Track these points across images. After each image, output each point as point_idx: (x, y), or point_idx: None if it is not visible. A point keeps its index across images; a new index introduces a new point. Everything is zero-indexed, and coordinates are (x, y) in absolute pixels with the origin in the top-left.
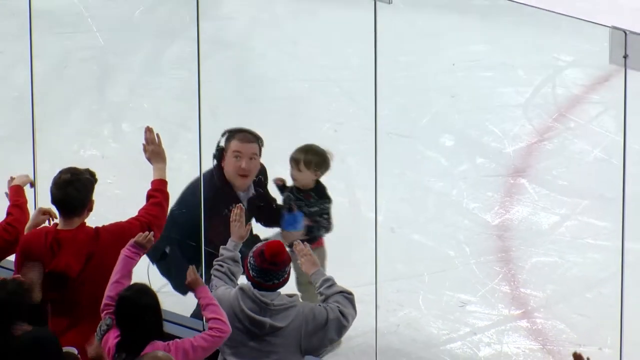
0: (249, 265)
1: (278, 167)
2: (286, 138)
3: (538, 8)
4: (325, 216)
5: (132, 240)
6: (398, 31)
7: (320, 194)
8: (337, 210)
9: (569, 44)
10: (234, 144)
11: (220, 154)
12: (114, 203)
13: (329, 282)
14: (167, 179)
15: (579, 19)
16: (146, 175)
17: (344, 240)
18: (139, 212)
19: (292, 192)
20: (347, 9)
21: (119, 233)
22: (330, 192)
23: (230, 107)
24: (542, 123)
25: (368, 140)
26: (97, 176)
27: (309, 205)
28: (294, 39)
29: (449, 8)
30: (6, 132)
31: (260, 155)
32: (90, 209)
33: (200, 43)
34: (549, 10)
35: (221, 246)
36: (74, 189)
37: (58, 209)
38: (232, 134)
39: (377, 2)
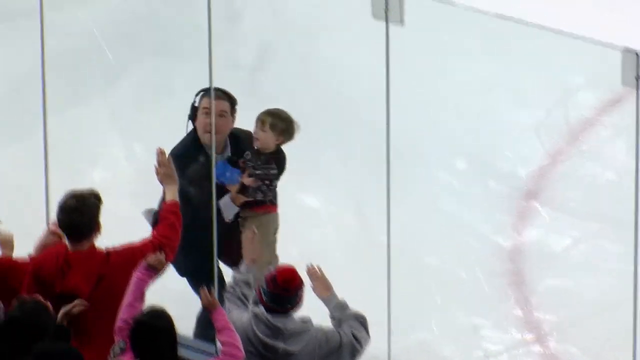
0: (261, 290)
1: None
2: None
3: (549, 29)
4: (267, 182)
5: (143, 262)
6: (409, 51)
7: (277, 161)
8: (349, 231)
9: (580, 65)
10: (205, 101)
11: (193, 113)
12: (125, 223)
13: (342, 305)
14: (178, 200)
15: (591, 40)
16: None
17: (356, 262)
18: (152, 233)
19: (251, 151)
20: (358, 36)
21: (130, 255)
22: (287, 164)
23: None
24: (554, 145)
25: (380, 161)
26: (101, 197)
27: (256, 168)
28: (304, 61)
29: (460, 29)
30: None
31: (231, 114)
32: (99, 231)
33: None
34: (560, 32)
35: (234, 269)
36: (80, 214)
37: (66, 234)
38: (205, 92)
39: (389, 24)
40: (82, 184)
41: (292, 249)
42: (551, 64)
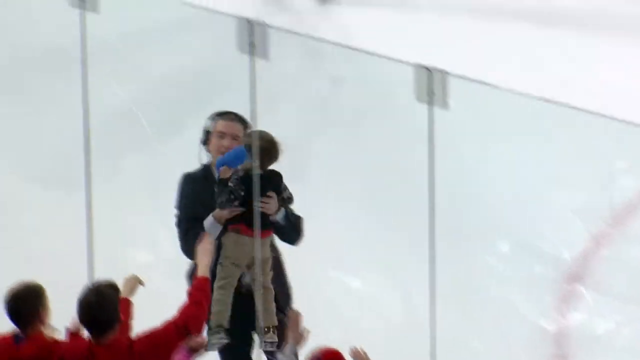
0: None
1: None
2: (336, 243)
3: (593, 113)
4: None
5: (185, 345)
6: (454, 133)
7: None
8: (392, 314)
9: (624, 148)
10: (219, 124)
11: (206, 137)
12: (166, 302)
13: None
14: (209, 277)
15: (633, 123)
16: None
17: (399, 345)
18: (178, 311)
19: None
20: (401, 119)
21: (153, 342)
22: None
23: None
24: (598, 229)
25: (424, 244)
26: (119, 287)
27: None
28: (349, 146)
29: (504, 111)
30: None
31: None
32: (119, 320)
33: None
34: (604, 115)
35: (278, 353)
36: (101, 311)
37: (87, 330)
38: (218, 115)
39: (434, 107)
40: (124, 265)
41: (335, 331)
42: (595, 147)
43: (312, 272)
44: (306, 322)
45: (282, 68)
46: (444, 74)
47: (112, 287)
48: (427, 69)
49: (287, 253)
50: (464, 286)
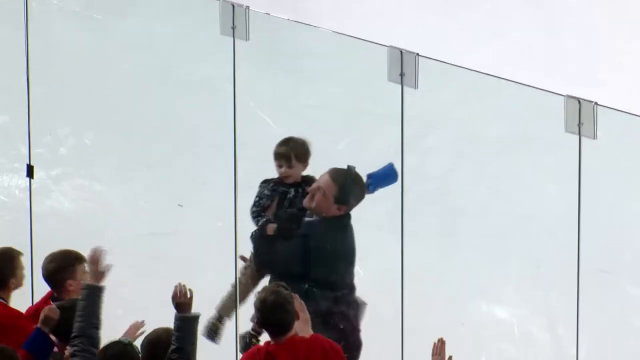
0: None
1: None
2: (483, 274)
3: None
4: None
5: None
6: (600, 168)
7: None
8: (539, 345)
9: None
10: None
11: None
12: None
13: None
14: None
15: None
16: None
17: None
18: None
19: (298, 190)
20: (550, 150)
21: None
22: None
23: (429, 239)
24: None
25: (570, 276)
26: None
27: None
28: (494, 175)
29: None
30: None
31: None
32: (298, 318)
33: (404, 174)
34: None
35: None
36: (284, 311)
37: (268, 330)
38: None
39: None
40: None
41: (479, 359)
42: None
43: (458, 301)
44: (451, 350)
45: (432, 97)
46: (594, 105)
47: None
48: (578, 99)
49: (433, 279)
50: (611, 318)
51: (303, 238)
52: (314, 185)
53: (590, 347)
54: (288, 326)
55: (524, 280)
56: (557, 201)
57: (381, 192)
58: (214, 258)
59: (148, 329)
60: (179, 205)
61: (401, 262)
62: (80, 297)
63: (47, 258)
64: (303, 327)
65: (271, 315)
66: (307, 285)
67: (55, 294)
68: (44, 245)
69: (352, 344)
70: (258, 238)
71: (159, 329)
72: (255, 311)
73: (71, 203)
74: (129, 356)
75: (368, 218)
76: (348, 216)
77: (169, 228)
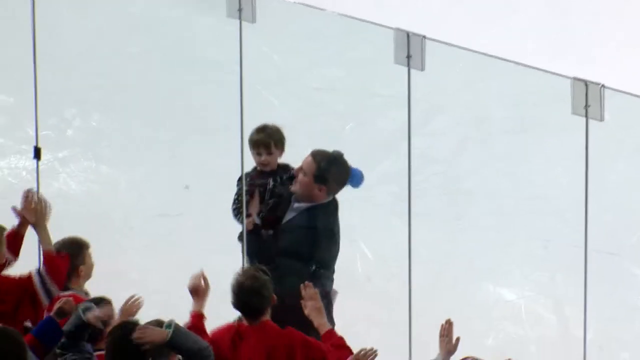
0: None
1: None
2: (490, 255)
3: None
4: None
5: None
6: (609, 150)
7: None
8: (545, 325)
9: None
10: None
11: None
12: None
13: None
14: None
15: None
16: None
17: (553, 357)
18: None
19: (276, 179)
20: (557, 132)
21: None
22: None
23: (436, 221)
24: None
25: (577, 257)
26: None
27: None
28: (501, 157)
29: None
30: None
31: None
32: (273, 302)
33: (411, 158)
34: None
35: None
36: (259, 296)
37: (242, 313)
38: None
39: (589, 119)
40: None
41: (487, 340)
42: None
43: (466, 282)
44: (459, 331)
45: (438, 80)
46: (601, 87)
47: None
48: (585, 81)
49: (441, 261)
50: (617, 299)
51: (295, 224)
52: (297, 167)
53: (597, 328)
54: (262, 311)
55: (532, 261)
56: (564, 183)
57: (389, 175)
58: (221, 240)
59: (158, 311)
60: (185, 187)
61: (409, 244)
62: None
63: (55, 246)
64: (316, 316)
65: (247, 299)
66: (314, 267)
67: (67, 284)
68: (51, 227)
69: None
70: (243, 236)
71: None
72: (231, 293)
73: (78, 185)
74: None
75: (376, 200)
76: (335, 203)
77: (176, 210)
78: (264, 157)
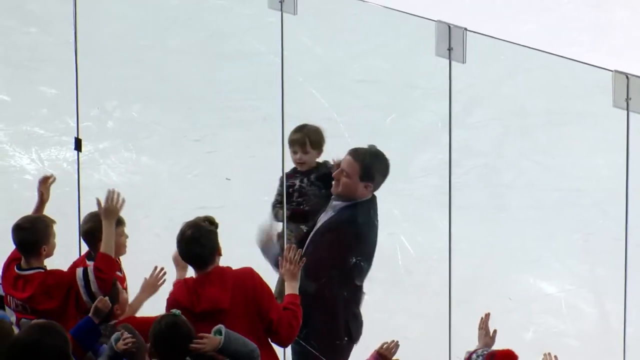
0: None
1: None
2: (530, 248)
3: None
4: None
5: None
6: None
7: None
8: (586, 319)
9: None
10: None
11: None
12: None
13: None
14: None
15: None
16: None
17: (593, 351)
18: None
19: (303, 179)
20: (598, 125)
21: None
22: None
23: (478, 214)
24: None
25: (618, 251)
26: (216, 221)
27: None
28: (544, 149)
29: None
30: None
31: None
32: (220, 254)
33: (452, 151)
34: None
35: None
36: (199, 245)
37: (188, 263)
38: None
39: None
40: None
41: (527, 334)
42: None
43: (506, 275)
44: (497, 324)
45: (479, 72)
46: None
47: (209, 222)
48: (626, 74)
49: (481, 254)
50: None
51: (334, 220)
52: (337, 170)
53: (638, 322)
54: (205, 260)
55: (572, 254)
56: (605, 175)
57: (430, 167)
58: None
59: None
60: (226, 179)
61: (449, 237)
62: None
63: (85, 217)
64: (289, 278)
65: (187, 249)
66: (354, 259)
67: (92, 253)
68: None
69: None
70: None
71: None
72: (176, 244)
73: (119, 176)
74: (184, 324)
75: (416, 193)
76: (374, 198)
77: (216, 202)
78: (299, 156)
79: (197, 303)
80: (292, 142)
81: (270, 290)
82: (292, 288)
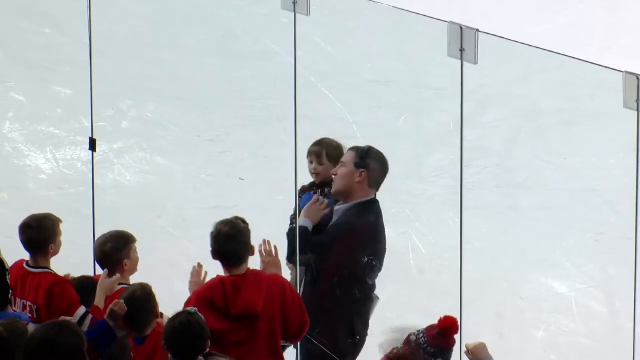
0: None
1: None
2: (542, 247)
3: None
4: None
5: None
6: None
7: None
8: (596, 318)
9: None
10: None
11: None
12: None
13: None
14: None
15: None
16: None
17: (603, 350)
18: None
19: (316, 191)
20: (609, 125)
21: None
22: None
23: (491, 213)
24: None
25: (629, 250)
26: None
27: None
28: (557, 149)
29: None
30: None
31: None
32: (252, 253)
33: (464, 151)
34: None
35: None
36: (236, 242)
37: (222, 260)
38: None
39: None
40: None
41: (538, 332)
42: None
43: (517, 274)
44: (508, 323)
45: (491, 73)
46: None
47: (243, 222)
48: (636, 75)
49: (493, 253)
50: None
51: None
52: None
53: None
54: (242, 257)
55: (583, 254)
56: (616, 175)
57: (442, 167)
58: (274, 232)
59: None
60: (240, 178)
61: (460, 236)
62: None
63: (101, 239)
64: (273, 270)
65: (224, 245)
66: (366, 259)
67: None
68: (106, 217)
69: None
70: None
71: (134, 284)
72: (211, 241)
73: (133, 176)
74: (197, 324)
75: (429, 193)
76: (378, 204)
77: (230, 202)
78: (314, 166)
79: (233, 305)
80: (310, 153)
81: (299, 296)
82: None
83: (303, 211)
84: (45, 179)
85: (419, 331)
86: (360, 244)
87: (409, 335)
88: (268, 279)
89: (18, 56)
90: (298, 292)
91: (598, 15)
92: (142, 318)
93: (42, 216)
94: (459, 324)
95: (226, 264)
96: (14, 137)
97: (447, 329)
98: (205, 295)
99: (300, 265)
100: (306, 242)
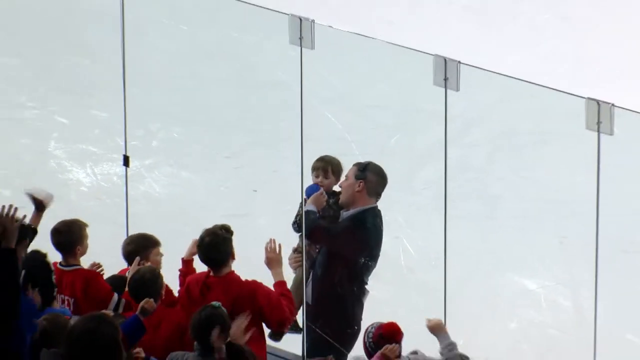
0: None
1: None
2: (516, 251)
3: None
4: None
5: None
6: (617, 160)
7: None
8: (562, 311)
9: None
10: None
11: None
12: None
13: (452, 346)
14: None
15: None
16: None
17: (569, 339)
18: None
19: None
20: (574, 145)
21: (266, 300)
22: None
23: (472, 222)
24: None
25: (590, 253)
26: (232, 229)
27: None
28: (528, 166)
29: None
30: None
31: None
32: (233, 258)
33: (447, 167)
34: None
35: None
36: (216, 251)
37: (205, 264)
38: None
39: (600, 134)
40: None
41: (511, 324)
42: None
43: (495, 274)
44: (486, 316)
45: (472, 99)
46: (611, 106)
47: (225, 229)
48: (597, 101)
49: (474, 256)
50: (627, 289)
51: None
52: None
53: (607, 313)
54: (221, 263)
55: (551, 256)
56: (581, 188)
57: (430, 181)
58: (282, 236)
59: None
60: (253, 190)
61: (444, 241)
62: None
63: (126, 240)
64: (274, 266)
65: (207, 253)
66: (363, 259)
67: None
68: (138, 223)
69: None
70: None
71: (145, 267)
72: (196, 249)
73: (161, 188)
74: (220, 316)
75: (419, 204)
76: (380, 212)
77: (244, 210)
78: (320, 179)
79: (202, 302)
80: (315, 168)
81: (277, 297)
82: (277, 275)
83: (310, 199)
84: (85, 191)
85: (372, 326)
86: (359, 246)
87: (368, 327)
88: (240, 285)
89: (61, 84)
90: (304, 287)
91: (566, 48)
92: (150, 296)
93: (69, 222)
94: (402, 333)
95: (209, 267)
96: (58, 155)
97: (389, 335)
98: (191, 282)
99: (306, 260)
100: (313, 221)
